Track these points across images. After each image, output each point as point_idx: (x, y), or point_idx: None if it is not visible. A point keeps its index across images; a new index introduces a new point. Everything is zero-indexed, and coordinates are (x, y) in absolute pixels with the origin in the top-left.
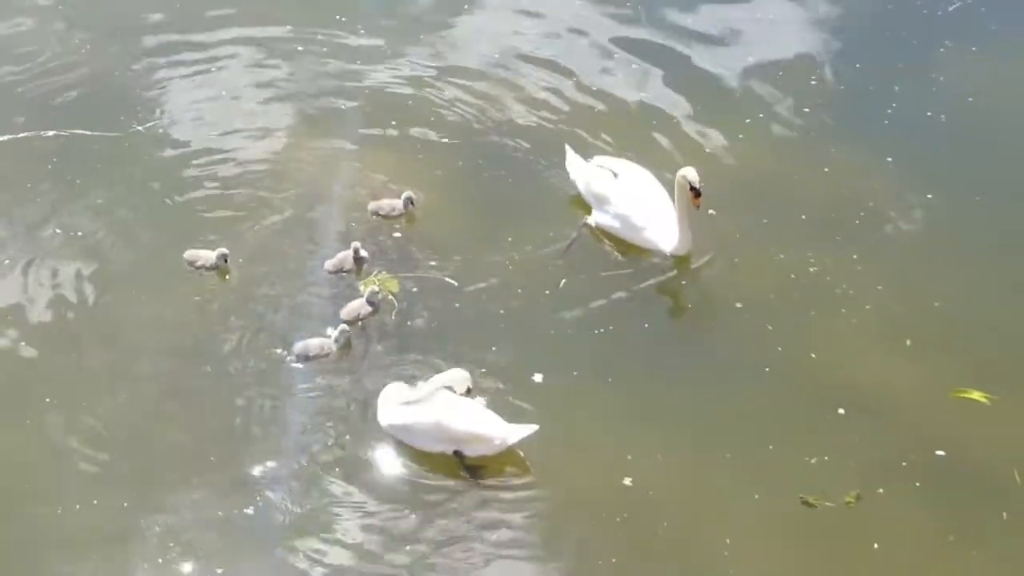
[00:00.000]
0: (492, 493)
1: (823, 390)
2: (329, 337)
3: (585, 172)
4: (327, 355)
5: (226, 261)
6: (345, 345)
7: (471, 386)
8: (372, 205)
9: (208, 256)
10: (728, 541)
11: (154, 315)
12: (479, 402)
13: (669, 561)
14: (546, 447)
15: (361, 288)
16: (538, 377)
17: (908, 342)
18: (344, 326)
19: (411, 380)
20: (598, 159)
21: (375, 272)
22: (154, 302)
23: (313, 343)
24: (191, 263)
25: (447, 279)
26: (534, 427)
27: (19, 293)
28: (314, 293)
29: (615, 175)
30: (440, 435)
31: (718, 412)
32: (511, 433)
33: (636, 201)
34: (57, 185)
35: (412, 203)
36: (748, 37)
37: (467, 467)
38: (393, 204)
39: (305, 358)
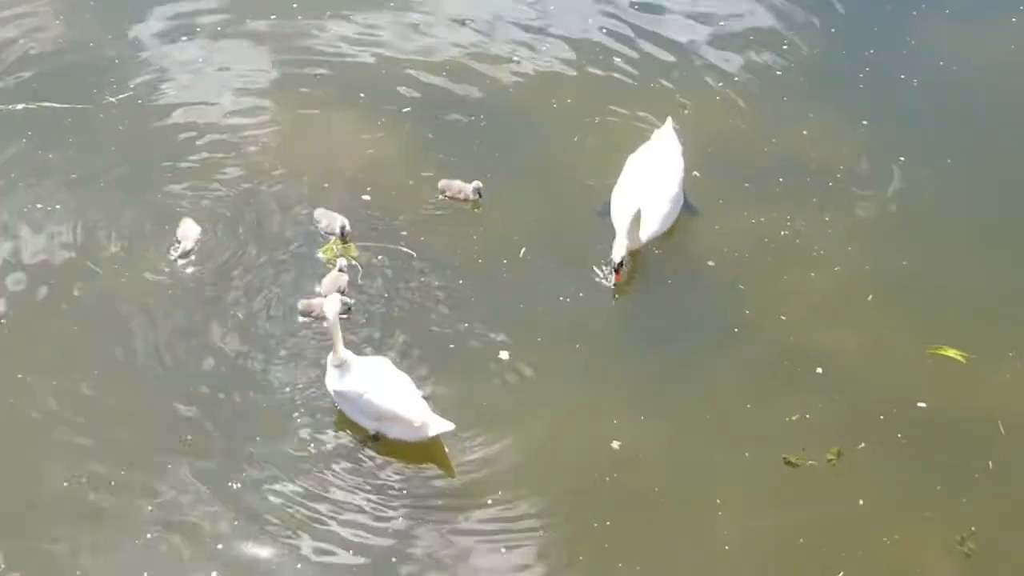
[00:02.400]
0: (483, 464)
1: (795, 350)
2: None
3: (650, 146)
4: None
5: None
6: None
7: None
8: (442, 183)
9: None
10: (718, 501)
11: (134, 287)
12: (410, 383)
13: (664, 522)
14: (528, 416)
15: (321, 256)
16: (504, 354)
17: (879, 301)
18: (342, 295)
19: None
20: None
21: (332, 240)
22: (133, 274)
23: (316, 302)
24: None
25: (404, 248)
26: (451, 425)
27: None
28: (289, 260)
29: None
30: (365, 409)
31: (692, 374)
32: (431, 423)
33: (627, 184)
34: (31, 159)
35: (480, 194)
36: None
37: (374, 437)
38: (461, 187)
39: (308, 315)
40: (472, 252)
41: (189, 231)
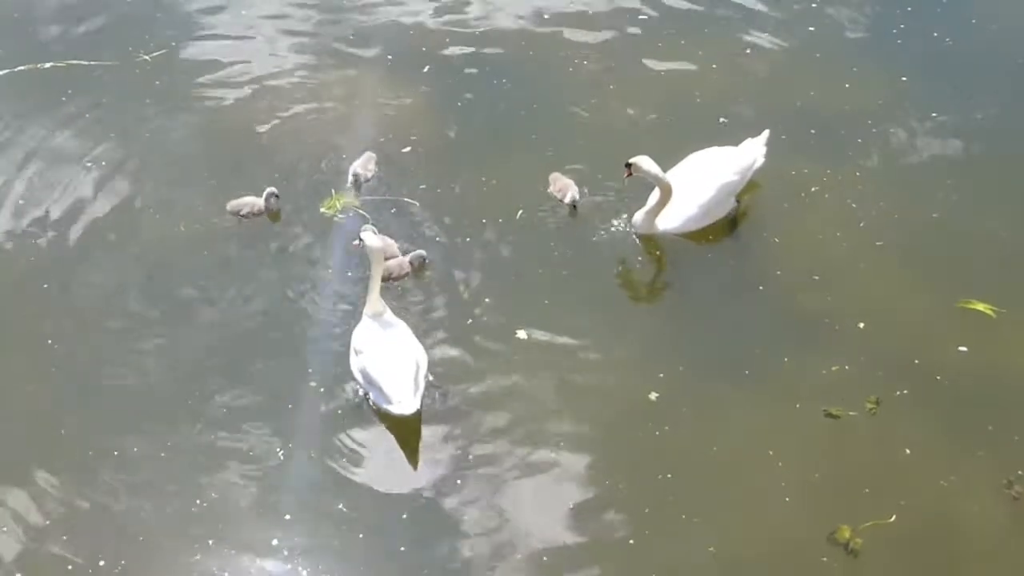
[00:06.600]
0: (535, 422)
1: (827, 303)
2: (405, 256)
3: (724, 149)
4: (406, 275)
5: (277, 198)
6: (420, 267)
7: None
8: (552, 176)
9: (253, 202)
10: (771, 453)
11: (178, 241)
12: (418, 356)
13: (722, 475)
14: (561, 376)
15: (325, 210)
16: (522, 332)
17: (909, 254)
18: (421, 251)
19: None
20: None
21: (333, 194)
22: (177, 228)
23: (392, 264)
24: (235, 212)
25: (407, 200)
26: (410, 410)
27: (40, 229)
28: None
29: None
30: (360, 367)
31: (725, 328)
32: (399, 405)
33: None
34: (67, 119)
35: (575, 204)
36: None
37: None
38: (568, 183)
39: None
40: (483, 212)
41: (364, 162)
